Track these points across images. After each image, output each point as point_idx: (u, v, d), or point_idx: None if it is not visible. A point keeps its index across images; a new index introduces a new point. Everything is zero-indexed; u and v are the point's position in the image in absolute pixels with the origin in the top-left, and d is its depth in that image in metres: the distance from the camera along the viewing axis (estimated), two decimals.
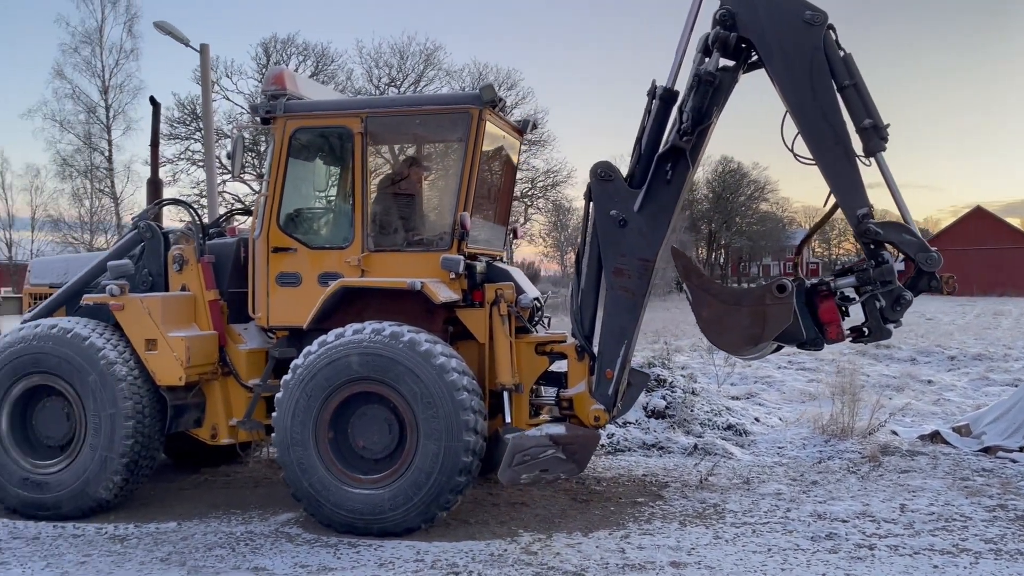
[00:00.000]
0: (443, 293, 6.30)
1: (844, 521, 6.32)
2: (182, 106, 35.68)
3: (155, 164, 7.43)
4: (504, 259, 7.68)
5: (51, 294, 7.42)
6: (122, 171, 35.39)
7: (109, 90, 33.29)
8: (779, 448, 9.37)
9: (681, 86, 6.58)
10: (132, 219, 7.42)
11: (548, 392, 7.23)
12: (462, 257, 6.45)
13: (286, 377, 6.27)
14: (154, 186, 7.64)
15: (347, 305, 6.55)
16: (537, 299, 7.21)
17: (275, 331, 6.96)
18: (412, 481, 5.98)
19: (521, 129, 7.62)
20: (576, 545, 5.83)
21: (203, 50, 18.51)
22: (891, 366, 16.44)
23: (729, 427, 10.19)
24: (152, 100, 7.30)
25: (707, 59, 6.43)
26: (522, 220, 49.01)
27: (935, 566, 5.36)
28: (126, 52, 33.42)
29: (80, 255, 7.52)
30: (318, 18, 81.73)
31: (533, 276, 53.50)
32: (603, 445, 9.36)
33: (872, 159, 6.24)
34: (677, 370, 11.93)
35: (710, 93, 6.38)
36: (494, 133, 7.06)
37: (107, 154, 34.51)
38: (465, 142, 6.54)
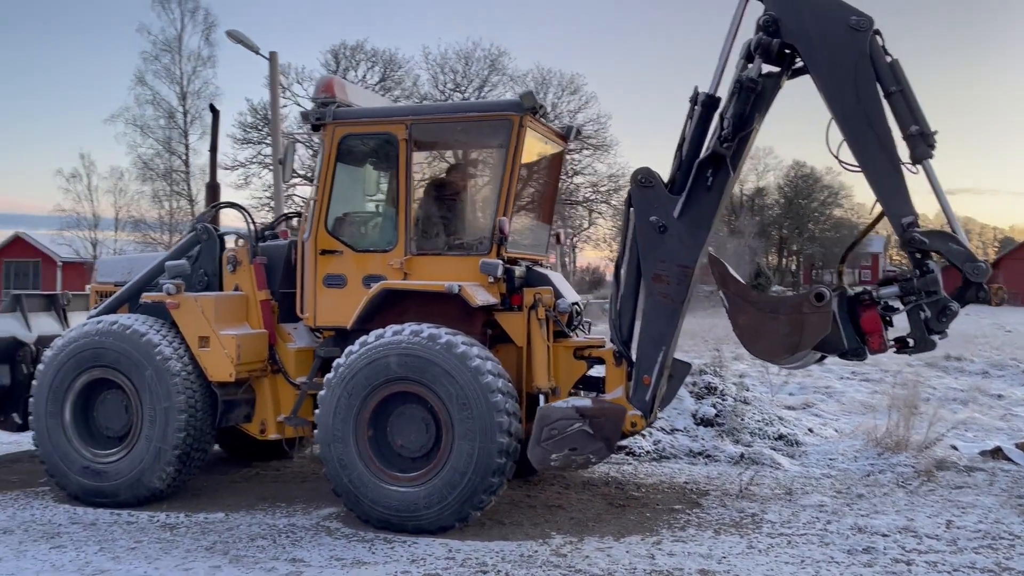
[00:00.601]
0: (480, 296, 6.41)
1: (885, 535, 6.19)
2: (254, 111, 36.89)
3: (213, 168, 7.74)
4: (546, 264, 7.74)
5: (115, 292, 7.81)
6: (198, 174, 36.74)
7: (187, 96, 34.69)
8: (830, 460, 9.18)
9: (725, 92, 6.57)
10: (190, 222, 7.76)
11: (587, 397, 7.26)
12: (500, 262, 6.56)
13: (329, 376, 6.47)
14: (212, 190, 7.96)
15: (390, 307, 6.72)
16: (576, 304, 7.26)
17: (322, 331, 7.18)
18: (447, 480, 6.10)
19: (565, 135, 7.68)
20: (606, 549, 5.86)
21: (272, 58, 19.13)
22: (960, 379, 15.88)
23: (780, 437, 10.04)
24: (212, 108, 7.62)
25: (750, 65, 6.40)
26: (585, 224, 48.99)
27: None
28: (203, 59, 34.78)
29: (143, 255, 7.93)
30: (386, 25, 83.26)
31: (597, 281, 53.40)
32: (647, 451, 9.36)
33: (919, 166, 6.13)
34: (730, 378, 11.81)
35: (752, 100, 6.36)
36: (537, 139, 7.15)
37: (184, 158, 35.87)
38: (505, 148, 6.66)
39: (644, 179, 6.65)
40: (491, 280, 6.56)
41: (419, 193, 7.16)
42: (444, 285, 6.33)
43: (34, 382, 7.23)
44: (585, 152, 43.47)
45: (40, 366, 7.23)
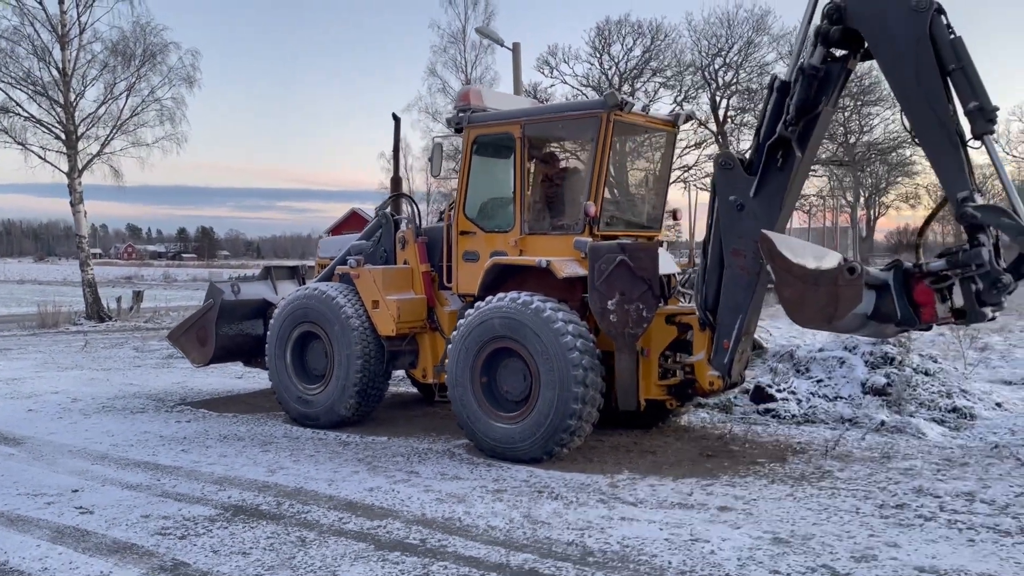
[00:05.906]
0: (568, 269, 7.60)
1: (937, 497, 6.42)
2: (527, 93, 39.57)
3: (396, 165, 9.64)
4: (658, 239, 8.65)
5: (328, 264, 10.08)
6: None
7: (470, 83, 38.06)
8: (993, 433, 8.99)
9: None
10: (375, 210, 9.80)
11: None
12: (589, 239, 7.68)
13: (454, 332, 8.09)
14: (395, 183, 9.90)
15: (508, 278, 8.15)
16: (672, 275, 8.13)
17: (464, 297, 8.81)
18: (535, 421, 7.45)
19: (674, 122, 8.49)
20: (656, 486, 6.84)
21: (515, 48, 21.15)
22: None
23: (953, 410, 9.89)
24: (394, 116, 9.43)
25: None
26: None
27: (971, 541, 5.47)
28: (484, 47, 37.92)
29: (350, 236, 10.11)
30: None
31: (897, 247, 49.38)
32: (793, 416, 9.83)
33: (980, 142, 6.24)
34: (917, 350, 11.60)
35: (814, 85, 6.82)
36: (637, 129, 8.10)
37: None
38: (595, 141, 7.73)
39: (724, 162, 7.37)
40: (583, 256, 7.71)
41: (532, 182, 8.46)
42: (535, 260, 7.63)
43: (268, 332, 9.72)
44: (875, 108, 40.88)
45: (272, 320, 9.70)
